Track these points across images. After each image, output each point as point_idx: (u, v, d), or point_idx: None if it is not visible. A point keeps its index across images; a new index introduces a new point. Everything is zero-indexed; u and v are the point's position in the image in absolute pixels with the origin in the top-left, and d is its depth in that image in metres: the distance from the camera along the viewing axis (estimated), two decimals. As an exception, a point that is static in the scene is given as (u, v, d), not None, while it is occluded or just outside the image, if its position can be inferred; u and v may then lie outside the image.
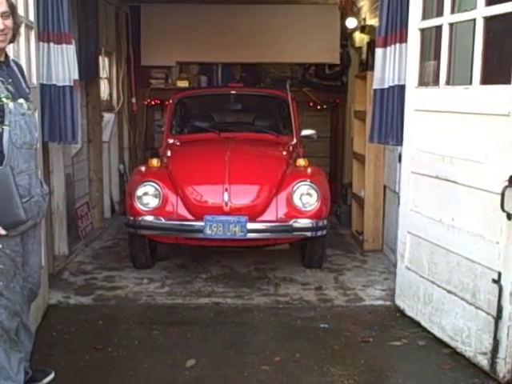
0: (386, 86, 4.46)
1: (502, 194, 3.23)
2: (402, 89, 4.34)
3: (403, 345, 3.92)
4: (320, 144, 8.30)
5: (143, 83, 8.82)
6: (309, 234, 5.00)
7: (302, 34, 8.45)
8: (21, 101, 2.89)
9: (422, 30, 4.14)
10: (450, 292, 3.81)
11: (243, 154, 5.41)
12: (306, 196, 4.98)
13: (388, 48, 4.42)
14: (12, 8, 2.93)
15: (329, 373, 3.53)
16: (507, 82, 3.27)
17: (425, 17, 4.12)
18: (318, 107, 9.01)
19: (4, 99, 2.80)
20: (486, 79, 3.52)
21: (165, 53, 8.66)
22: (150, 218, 4.93)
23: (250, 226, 4.79)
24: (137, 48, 8.64)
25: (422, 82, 4.29)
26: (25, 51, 3.96)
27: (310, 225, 4.93)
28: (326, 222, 5.04)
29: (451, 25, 3.83)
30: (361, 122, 6.41)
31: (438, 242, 3.92)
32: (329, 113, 9.24)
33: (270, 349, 3.84)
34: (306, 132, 6.31)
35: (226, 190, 4.83)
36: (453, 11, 3.85)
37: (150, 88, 8.86)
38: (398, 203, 4.63)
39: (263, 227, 4.92)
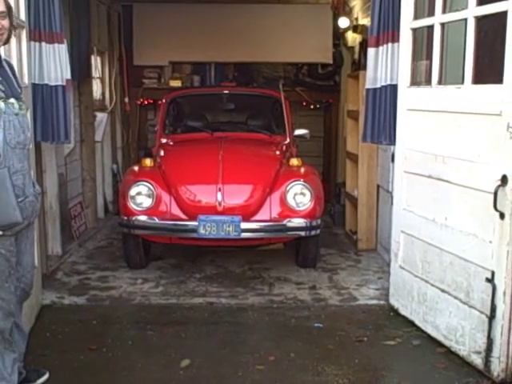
0: (379, 85, 4.47)
1: (495, 194, 3.25)
2: (394, 88, 4.35)
3: (397, 344, 3.93)
4: (313, 143, 8.31)
5: (136, 83, 8.79)
6: (302, 233, 5.00)
7: (295, 33, 8.45)
8: (11, 100, 2.89)
9: (414, 30, 4.15)
10: (443, 291, 3.82)
11: (236, 154, 5.41)
12: (300, 195, 4.98)
13: (380, 48, 4.43)
14: (9, 9, 2.93)
15: (323, 372, 3.54)
16: (499, 82, 3.29)
17: (416, 16, 4.14)
18: (311, 107, 9.02)
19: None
20: (478, 79, 3.54)
21: (157, 52, 8.64)
22: (143, 217, 4.92)
23: (244, 225, 4.79)
24: (129, 47, 8.62)
25: (415, 82, 4.30)
26: (16, 51, 3.95)
27: (304, 224, 4.94)
28: (319, 221, 5.04)
29: (443, 25, 3.84)
30: (354, 121, 6.42)
31: (431, 241, 3.93)
32: (322, 112, 9.25)
33: (264, 348, 3.85)
34: (299, 131, 6.32)
35: (220, 189, 4.83)
36: (444, 11, 3.86)
37: (143, 88, 8.83)
38: (392, 202, 4.64)
39: (257, 227, 4.92)
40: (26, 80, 4.15)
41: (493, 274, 3.34)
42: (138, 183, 5.01)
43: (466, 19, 3.53)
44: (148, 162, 5.34)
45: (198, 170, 5.20)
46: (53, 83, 4.41)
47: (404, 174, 4.26)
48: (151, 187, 4.98)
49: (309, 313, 4.48)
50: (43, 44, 4.35)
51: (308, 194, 4.98)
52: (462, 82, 3.59)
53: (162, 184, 5.03)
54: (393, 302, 4.46)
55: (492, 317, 3.36)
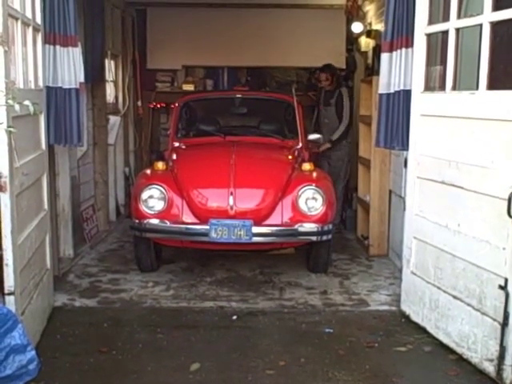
0: (392, 90, 4.45)
1: (509, 200, 3.22)
2: (407, 94, 4.33)
3: (409, 350, 3.91)
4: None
5: (149, 86, 8.83)
6: (314, 238, 4.99)
7: (308, 38, 8.46)
8: (26, 102, 2.91)
9: (429, 35, 4.13)
10: (455, 298, 3.79)
11: (248, 158, 5.41)
12: (312, 200, 4.97)
13: (394, 53, 4.41)
14: None
15: (333, 378, 3.52)
16: (514, 88, 3.27)
17: (431, 22, 4.12)
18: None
19: (10, 101, 2.82)
20: (493, 84, 3.51)
21: (171, 56, 8.68)
22: (155, 221, 4.92)
23: (255, 229, 4.78)
24: (143, 51, 8.67)
25: (428, 87, 4.28)
26: (32, 54, 3.98)
27: (316, 229, 4.92)
28: (331, 226, 5.03)
29: (457, 30, 3.83)
30: (366, 126, 6.40)
31: (443, 247, 3.90)
32: (334, 117, 9.20)
33: (274, 353, 3.83)
34: (312, 136, 6.32)
35: (232, 193, 4.83)
36: (459, 16, 3.84)
37: (156, 91, 8.87)
38: (404, 208, 4.62)
39: (268, 231, 4.92)
40: (40, 83, 4.18)
41: (506, 281, 3.31)
42: (150, 186, 5.02)
43: (481, 25, 3.51)
44: (160, 165, 5.35)
45: (210, 173, 5.21)
46: (66, 86, 4.43)
47: (417, 180, 4.23)
48: (163, 190, 4.98)
49: (319, 318, 4.46)
50: (57, 47, 4.38)
51: (320, 198, 4.97)
52: (477, 88, 3.56)
53: (173, 187, 5.04)
54: (404, 308, 4.44)
55: (505, 324, 3.33)
